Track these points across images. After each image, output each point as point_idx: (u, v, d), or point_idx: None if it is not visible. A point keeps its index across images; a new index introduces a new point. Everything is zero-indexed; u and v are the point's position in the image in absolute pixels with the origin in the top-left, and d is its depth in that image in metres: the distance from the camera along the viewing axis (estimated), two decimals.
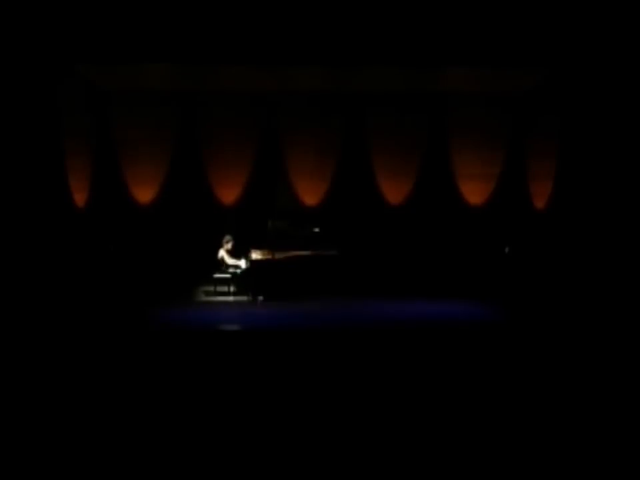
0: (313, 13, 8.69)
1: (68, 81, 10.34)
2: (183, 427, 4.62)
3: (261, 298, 10.52)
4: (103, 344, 7.20)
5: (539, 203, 11.65)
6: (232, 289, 10.84)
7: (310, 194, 12.01)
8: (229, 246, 10.84)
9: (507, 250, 11.72)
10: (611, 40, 8.99)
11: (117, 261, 11.41)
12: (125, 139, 11.74)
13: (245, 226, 11.57)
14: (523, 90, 11.45)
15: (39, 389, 5.47)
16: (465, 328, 8.36)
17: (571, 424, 4.72)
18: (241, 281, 10.77)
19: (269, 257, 10.61)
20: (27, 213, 9.21)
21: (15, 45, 8.78)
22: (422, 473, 3.97)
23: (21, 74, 9.08)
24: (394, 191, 12.06)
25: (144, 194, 11.86)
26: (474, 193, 12.06)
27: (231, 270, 10.77)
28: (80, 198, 11.01)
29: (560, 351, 6.87)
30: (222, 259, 10.81)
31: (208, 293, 10.98)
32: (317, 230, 11.03)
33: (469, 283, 11.28)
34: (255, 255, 10.66)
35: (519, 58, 9.29)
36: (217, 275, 10.80)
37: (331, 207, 11.98)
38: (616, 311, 8.46)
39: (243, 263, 10.77)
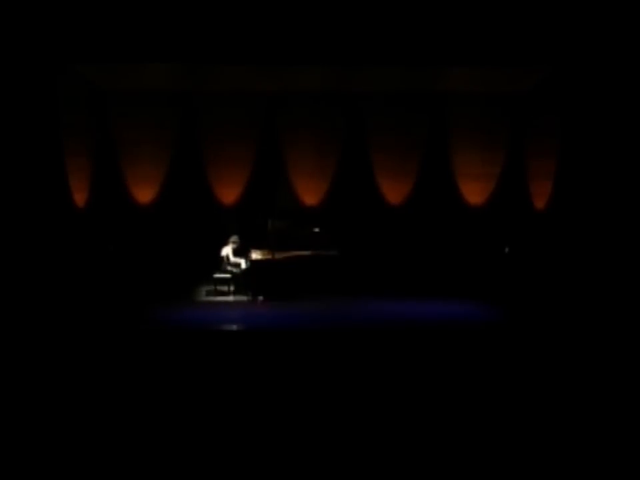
0: (312, 13, 8.69)
1: (67, 81, 10.34)
2: (182, 426, 4.62)
3: (260, 298, 10.52)
4: (103, 343, 7.20)
5: (539, 203, 11.64)
6: (232, 288, 10.83)
7: (310, 194, 12.01)
8: (234, 246, 10.85)
9: (506, 250, 11.72)
10: (611, 39, 8.98)
11: (116, 260, 11.41)
12: (124, 139, 11.74)
13: (245, 226, 11.57)
14: (523, 90, 11.45)
15: (38, 388, 5.46)
16: (465, 328, 8.36)
17: (571, 424, 4.71)
18: (240, 280, 10.77)
19: (269, 256, 10.60)
20: (27, 212, 9.21)
21: (14, 45, 8.78)
22: (422, 473, 3.97)
23: (21, 74, 9.07)
24: (394, 191, 12.06)
25: (144, 194, 11.87)
26: (474, 193, 12.06)
27: (230, 269, 10.76)
28: (80, 198, 11.01)
29: (559, 351, 6.87)
30: (227, 257, 10.81)
31: (208, 293, 10.97)
32: (317, 230, 11.03)
33: (469, 282, 11.28)
34: (255, 255, 10.65)
35: (519, 57, 9.29)
36: (217, 275, 10.80)
37: (331, 206, 11.99)
38: (616, 311, 8.45)
39: (243, 263, 10.77)
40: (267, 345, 7.26)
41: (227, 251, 10.86)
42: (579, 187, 10.38)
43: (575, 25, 8.86)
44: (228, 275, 10.79)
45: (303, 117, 11.84)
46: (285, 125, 11.93)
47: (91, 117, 11.50)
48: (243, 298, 10.66)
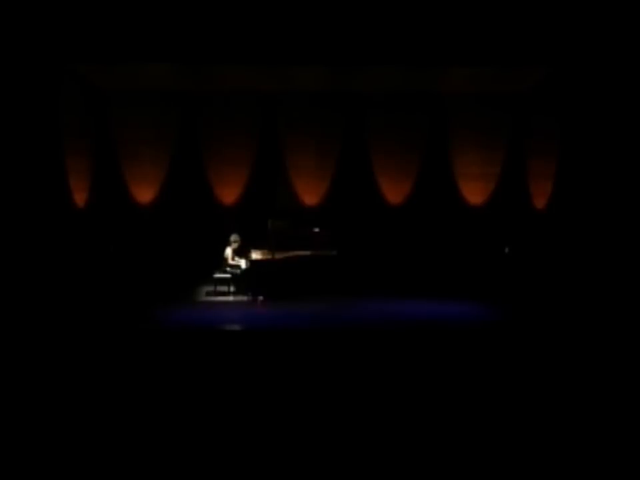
0: (313, 12, 8.70)
1: (67, 81, 10.35)
2: (182, 426, 4.62)
3: (261, 298, 10.52)
4: (103, 344, 7.20)
5: (539, 203, 11.65)
6: (232, 288, 10.83)
7: (310, 194, 12.03)
8: (235, 245, 10.84)
9: (506, 250, 11.73)
10: (611, 39, 8.98)
11: (117, 260, 11.41)
12: (124, 139, 11.77)
13: (244, 226, 11.57)
14: (523, 90, 11.46)
15: (39, 388, 5.47)
16: (465, 328, 8.36)
17: (571, 424, 4.72)
18: (241, 280, 10.76)
19: (269, 256, 10.61)
20: (27, 212, 9.21)
21: (14, 45, 8.79)
22: (422, 473, 3.97)
23: (21, 74, 9.08)
24: (394, 191, 12.08)
25: (144, 194, 11.89)
26: (474, 192, 12.08)
27: (230, 270, 10.76)
28: (80, 198, 11.02)
29: (560, 351, 6.87)
30: (226, 257, 10.82)
31: (208, 293, 10.97)
32: (316, 230, 11.03)
33: (469, 282, 11.28)
34: (255, 255, 10.65)
35: (519, 57, 9.29)
36: (217, 275, 10.80)
37: (331, 206, 12.00)
38: (616, 311, 8.46)
39: (243, 263, 10.77)
40: (267, 344, 7.26)
41: (229, 251, 10.86)
42: (579, 186, 10.39)
43: (575, 25, 8.86)
44: (228, 275, 10.79)
45: (303, 117, 11.87)
46: (284, 125, 11.95)
47: (91, 117, 11.53)
48: (243, 298, 10.66)
